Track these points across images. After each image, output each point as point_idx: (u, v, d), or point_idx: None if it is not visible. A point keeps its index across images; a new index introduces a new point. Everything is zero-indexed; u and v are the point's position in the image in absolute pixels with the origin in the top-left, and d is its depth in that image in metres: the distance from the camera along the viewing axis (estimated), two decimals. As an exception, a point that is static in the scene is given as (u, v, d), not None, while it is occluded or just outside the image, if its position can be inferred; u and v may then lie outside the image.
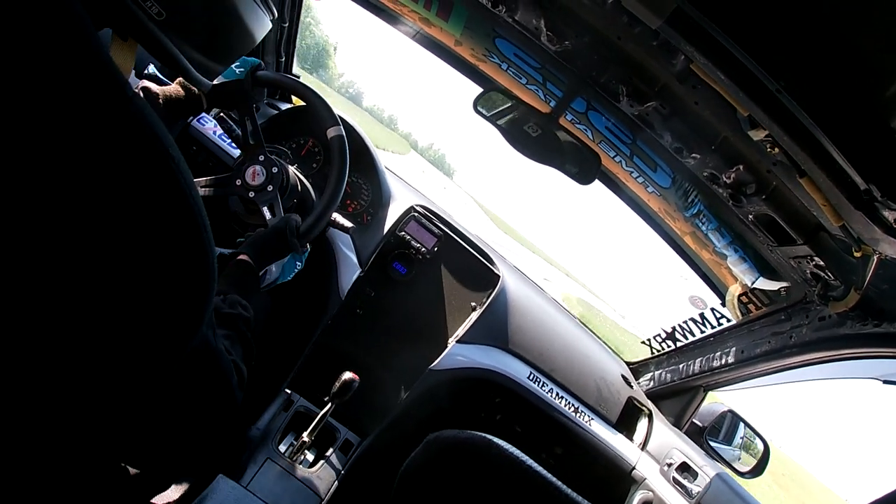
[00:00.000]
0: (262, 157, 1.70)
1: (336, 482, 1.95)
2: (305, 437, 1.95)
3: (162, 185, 0.61)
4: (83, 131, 0.54)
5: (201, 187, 1.68)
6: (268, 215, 1.65)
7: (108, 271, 0.58)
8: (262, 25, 1.11)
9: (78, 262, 0.56)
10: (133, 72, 1.96)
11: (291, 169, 1.80)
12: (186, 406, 0.83)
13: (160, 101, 1.52)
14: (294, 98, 1.98)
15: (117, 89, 0.58)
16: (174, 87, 1.57)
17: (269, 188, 1.68)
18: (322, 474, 1.94)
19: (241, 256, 1.41)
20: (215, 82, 1.60)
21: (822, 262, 1.51)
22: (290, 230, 1.53)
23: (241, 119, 1.72)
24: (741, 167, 1.47)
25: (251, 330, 1.25)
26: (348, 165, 1.69)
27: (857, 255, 1.32)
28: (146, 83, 1.54)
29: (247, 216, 1.74)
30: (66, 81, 0.54)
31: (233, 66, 1.65)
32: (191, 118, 1.85)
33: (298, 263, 1.65)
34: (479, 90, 1.89)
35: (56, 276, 0.55)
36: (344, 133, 1.70)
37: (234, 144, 1.88)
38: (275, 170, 1.69)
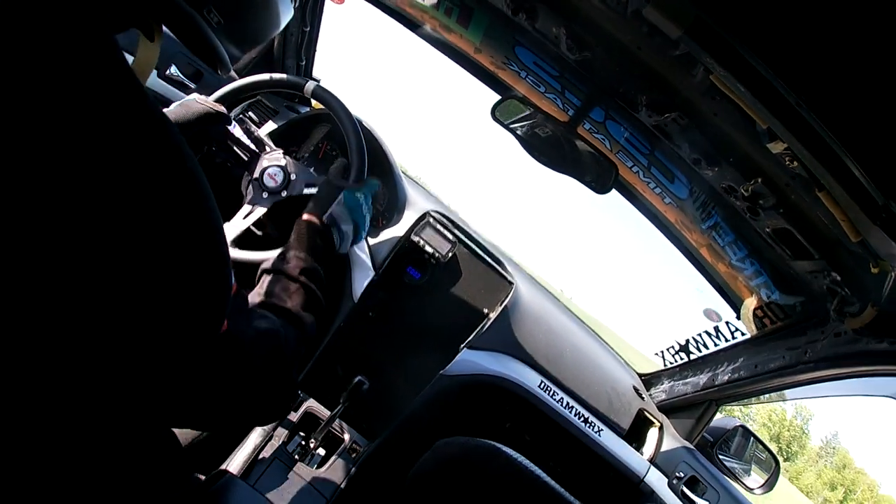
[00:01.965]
0: (264, 162, 1.75)
1: (343, 484, 1.95)
2: (314, 438, 1.96)
3: (180, 197, 0.63)
4: (104, 143, 0.56)
5: (244, 217, 1.72)
6: (314, 191, 1.70)
7: (124, 275, 0.59)
8: (287, 15, 1.18)
9: (95, 268, 0.57)
10: (155, 71, 2.00)
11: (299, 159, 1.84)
12: (221, 389, 0.86)
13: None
14: (314, 102, 2.00)
15: (140, 103, 0.60)
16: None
17: (293, 176, 1.72)
18: (329, 476, 1.95)
19: (306, 217, 1.47)
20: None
21: (838, 278, 1.49)
22: (334, 177, 1.60)
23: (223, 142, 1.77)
24: (759, 180, 1.46)
25: (317, 283, 1.32)
26: (346, 107, 1.73)
27: (875, 270, 1.31)
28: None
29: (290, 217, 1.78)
30: (87, 95, 0.56)
31: None
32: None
33: (360, 197, 1.61)
34: (497, 98, 1.90)
35: (70, 282, 0.56)
36: (320, 83, 1.78)
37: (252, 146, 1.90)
38: (282, 162, 1.74)
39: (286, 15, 1.15)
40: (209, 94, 1.81)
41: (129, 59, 0.75)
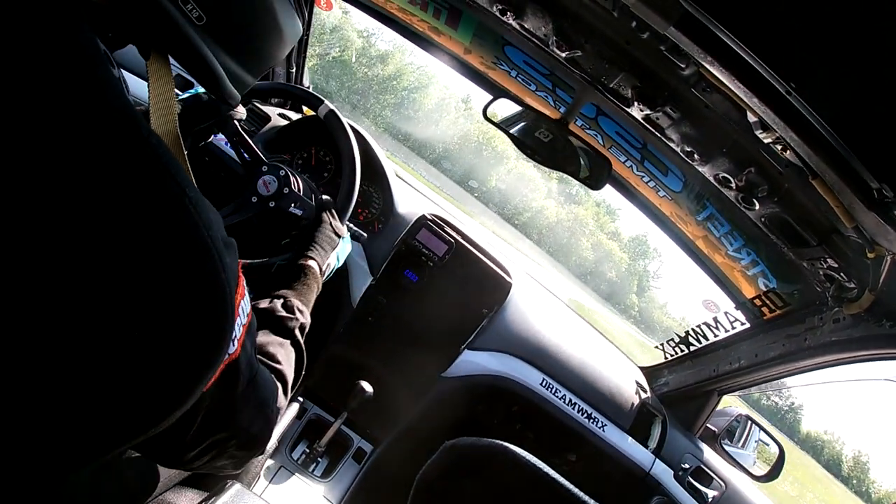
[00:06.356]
0: (265, 168, 1.71)
1: (349, 490, 1.95)
2: (319, 445, 1.96)
3: (177, 225, 0.61)
4: (99, 173, 0.55)
5: (225, 217, 1.68)
6: (298, 212, 1.66)
7: (121, 311, 0.58)
8: (294, 32, 1.06)
9: (93, 303, 0.56)
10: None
11: (305, 179, 1.81)
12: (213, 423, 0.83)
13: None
14: (305, 109, 1.99)
15: (131, 130, 0.58)
16: None
17: (286, 190, 1.68)
18: (336, 482, 1.95)
19: (308, 262, 1.45)
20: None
21: (835, 264, 1.50)
22: (332, 215, 1.57)
23: (230, 138, 1.72)
24: (752, 170, 1.47)
25: (304, 335, 1.25)
26: (353, 140, 1.70)
27: (871, 256, 1.31)
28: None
29: (273, 228, 1.74)
30: (81, 123, 0.54)
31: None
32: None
33: (348, 245, 1.67)
34: (489, 97, 1.90)
35: (66, 320, 0.55)
36: (333, 107, 1.73)
37: (247, 155, 1.89)
38: (282, 173, 1.69)
39: (288, 18, 1.01)
40: None
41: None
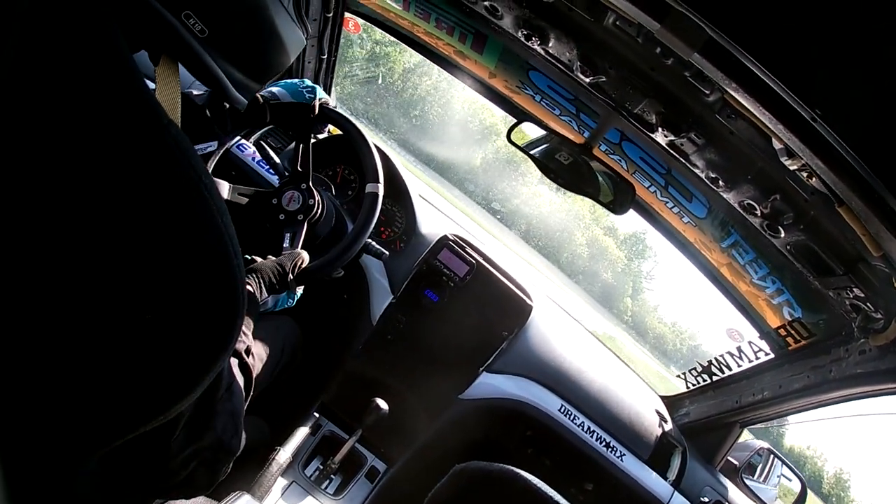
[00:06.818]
0: (304, 186, 1.73)
1: None
2: (332, 462, 1.95)
3: (193, 209, 0.64)
4: (120, 158, 0.58)
5: (240, 193, 1.72)
6: (286, 243, 1.67)
7: (135, 291, 0.60)
8: (297, 43, 1.13)
9: (108, 282, 0.58)
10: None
11: (330, 197, 1.83)
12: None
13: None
14: (331, 128, 2.02)
15: (153, 118, 0.61)
16: None
17: (300, 217, 1.70)
18: (347, 501, 1.94)
19: (248, 288, 1.43)
20: (283, 100, 1.66)
21: (861, 293, 1.47)
22: (293, 269, 1.54)
23: (297, 144, 1.75)
24: (778, 197, 1.46)
25: (247, 358, 1.23)
26: (371, 226, 1.70)
27: (898, 286, 1.29)
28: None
29: (271, 231, 1.75)
30: (104, 111, 0.57)
31: (304, 90, 1.70)
32: (234, 144, 1.89)
33: (290, 301, 1.65)
34: (513, 121, 1.91)
35: (82, 296, 0.57)
36: (381, 192, 1.73)
37: (272, 171, 1.93)
38: (311, 202, 1.71)
39: (289, 31, 1.09)
40: None
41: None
